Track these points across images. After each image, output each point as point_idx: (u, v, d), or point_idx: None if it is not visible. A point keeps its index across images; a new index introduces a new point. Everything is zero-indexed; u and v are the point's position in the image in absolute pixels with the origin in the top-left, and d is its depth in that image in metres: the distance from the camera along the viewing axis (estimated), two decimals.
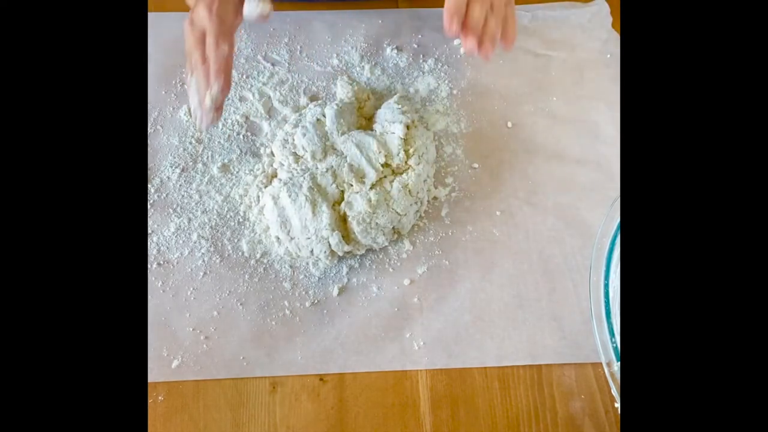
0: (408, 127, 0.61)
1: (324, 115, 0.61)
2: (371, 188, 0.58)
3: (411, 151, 0.60)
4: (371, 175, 0.58)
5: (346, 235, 0.57)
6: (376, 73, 0.69)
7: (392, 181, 0.59)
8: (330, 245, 0.56)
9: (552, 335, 0.56)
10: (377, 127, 0.62)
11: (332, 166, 0.58)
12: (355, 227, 0.56)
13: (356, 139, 0.59)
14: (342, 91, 0.66)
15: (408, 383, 0.54)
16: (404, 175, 0.59)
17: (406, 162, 0.59)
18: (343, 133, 0.60)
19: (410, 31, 0.72)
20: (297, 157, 0.60)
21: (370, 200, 0.57)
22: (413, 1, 0.75)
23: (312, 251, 0.56)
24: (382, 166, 0.59)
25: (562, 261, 0.59)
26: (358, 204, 0.57)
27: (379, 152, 0.59)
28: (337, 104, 0.62)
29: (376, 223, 0.56)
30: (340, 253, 0.57)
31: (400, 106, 0.62)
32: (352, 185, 0.58)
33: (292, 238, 0.57)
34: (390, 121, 0.61)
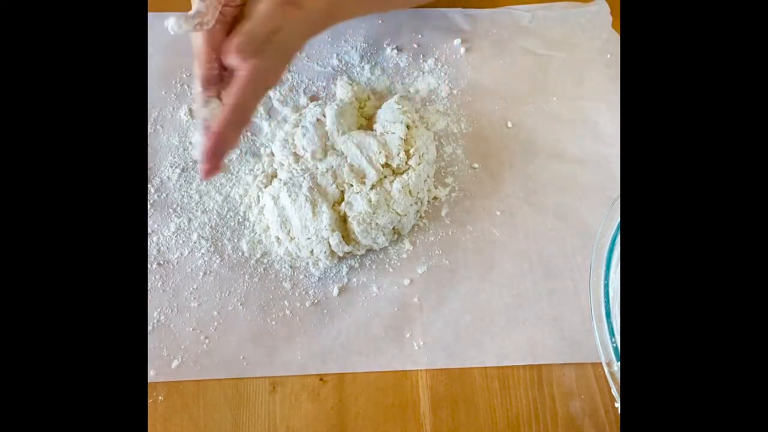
0: (408, 127, 0.61)
1: (324, 115, 0.61)
2: (371, 188, 0.58)
3: (411, 151, 0.60)
4: (371, 176, 0.58)
5: (346, 236, 0.57)
6: (376, 73, 0.69)
7: (392, 181, 0.59)
8: (330, 245, 0.56)
9: (552, 335, 0.56)
10: (377, 127, 0.62)
11: (332, 166, 0.58)
12: (355, 227, 0.56)
13: (356, 139, 0.59)
14: (342, 91, 0.66)
15: (408, 383, 0.54)
16: (404, 175, 0.59)
17: (406, 162, 0.59)
18: (343, 133, 0.60)
19: (410, 31, 0.72)
20: (297, 157, 0.60)
21: (370, 200, 0.57)
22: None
23: (312, 251, 0.56)
24: (383, 166, 0.59)
25: (562, 261, 0.59)
26: (358, 204, 0.57)
27: (380, 152, 0.59)
28: (337, 104, 0.62)
29: (377, 224, 0.56)
30: (340, 254, 0.57)
31: (400, 106, 0.62)
32: (352, 185, 0.58)
33: (292, 238, 0.57)
34: (390, 121, 0.61)
